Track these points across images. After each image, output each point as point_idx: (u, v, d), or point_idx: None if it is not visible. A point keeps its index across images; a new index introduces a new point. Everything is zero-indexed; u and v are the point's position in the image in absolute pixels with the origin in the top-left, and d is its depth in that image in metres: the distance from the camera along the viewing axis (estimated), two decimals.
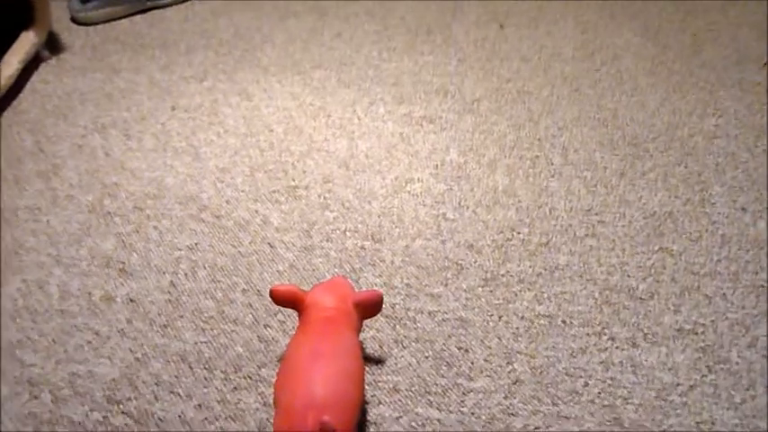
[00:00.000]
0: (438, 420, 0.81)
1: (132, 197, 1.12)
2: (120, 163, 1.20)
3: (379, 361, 0.87)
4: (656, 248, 1.05)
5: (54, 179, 1.16)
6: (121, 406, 0.81)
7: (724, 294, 0.98)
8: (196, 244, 1.04)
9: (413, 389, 0.84)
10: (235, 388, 0.83)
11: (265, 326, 0.91)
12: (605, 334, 0.92)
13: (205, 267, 1.00)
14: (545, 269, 1.01)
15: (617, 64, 1.47)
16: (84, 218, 1.08)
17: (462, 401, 0.83)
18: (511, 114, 1.33)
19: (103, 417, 0.79)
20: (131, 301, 0.94)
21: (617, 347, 0.90)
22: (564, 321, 0.94)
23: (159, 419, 0.79)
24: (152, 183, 1.15)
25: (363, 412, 0.80)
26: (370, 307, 0.81)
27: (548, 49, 1.53)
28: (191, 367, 0.85)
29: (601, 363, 0.89)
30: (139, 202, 1.11)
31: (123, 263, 1.00)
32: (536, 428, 0.81)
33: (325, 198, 1.13)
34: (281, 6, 1.71)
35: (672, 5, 1.69)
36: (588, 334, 0.92)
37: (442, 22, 1.63)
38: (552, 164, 1.21)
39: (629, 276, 1.00)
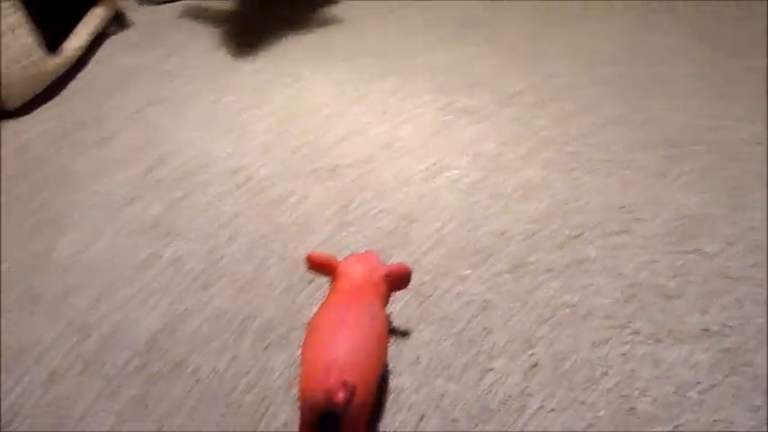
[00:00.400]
0: (455, 394, 0.84)
1: (181, 168, 1.18)
2: (172, 135, 1.26)
3: (403, 334, 0.90)
4: (689, 249, 1.05)
5: (109, 146, 1.23)
6: (160, 355, 0.86)
7: (754, 300, 0.98)
8: (238, 214, 1.09)
9: (434, 363, 0.87)
10: (266, 347, 0.88)
11: (298, 293, 0.95)
12: (628, 328, 0.93)
13: (245, 236, 1.05)
14: (573, 261, 1.02)
15: (661, 66, 1.46)
16: (135, 184, 1.15)
17: (480, 379, 0.86)
18: (552, 110, 1.35)
19: (143, 363, 0.85)
20: (175, 261, 1.00)
21: (639, 342, 0.91)
22: (588, 313, 0.95)
23: (194, 370, 0.85)
24: (200, 156, 1.21)
25: (384, 380, 0.84)
26: (398, 280, 0.85)
27: (592, 47, 1.53)
28: (226, 326, 0.90)
29: (621, 355, 0.90)
30: (187, 173, 1.17)
31: (169, 227, 1.06)
32: (551, 411, 0.83)
33: (362, 179, 1.17)
34: None
35: (719, 9, 1.67)
36: (611, 327, 0.93)
37: (489, 16, 1.65)
38: (590, 160, 1.22)
39: (658, 274, 1.01)
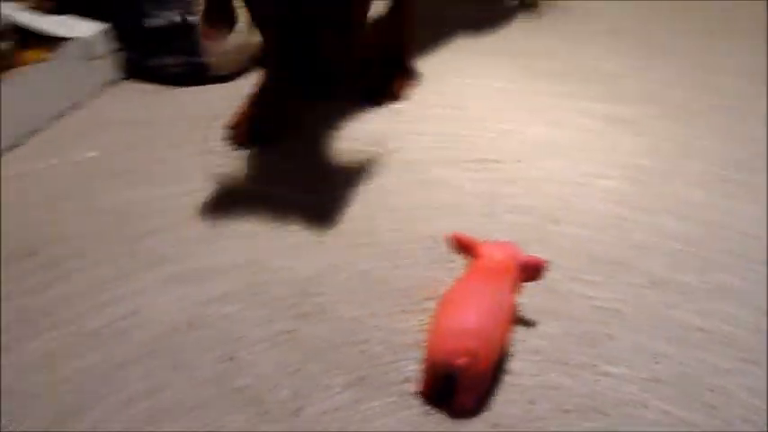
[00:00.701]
0: (569, 389, 0.88)
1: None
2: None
3: (528, 324, 0.96)
4: None
5: None
6: (310, 298, 0.99)
7: None
8: (393, 189, 1.20)
9: (552, 356, 0.92)
10: (402, 311, 0.97)
11: (437, 267, 1.03)
12: (761, 363, 0.91)
13: (398, 210, 1.15)
14: (714, 286, 1.01)
15: None
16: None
17: (596, 381, 0.89)
18: (717, 130, 1.31)
19: (296, 302, 0.98)
20: (340, 221, 1.13)
21: None
22: (720, 340, 0.94)
23: (334, 317, 0.97)
24: (373, 135, 1.33)
25: (503, 361, 0.90)
26: (532, 271, 0.91)
27: None
28: (370, 284, 1.01)
29: (749, 388, 0.88)
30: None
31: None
32: (664, 426, 0.84)
33: (512, 175, 1.23)
34: None
35: None
36: (743, 359, 0.92)
37: (665, 30, 1.61)
38: (752, 188, 1.18)
39: None
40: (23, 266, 1.04)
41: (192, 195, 1.19)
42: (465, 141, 1.31)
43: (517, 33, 1.66)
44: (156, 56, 1.50)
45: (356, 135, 1.33)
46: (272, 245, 1.09)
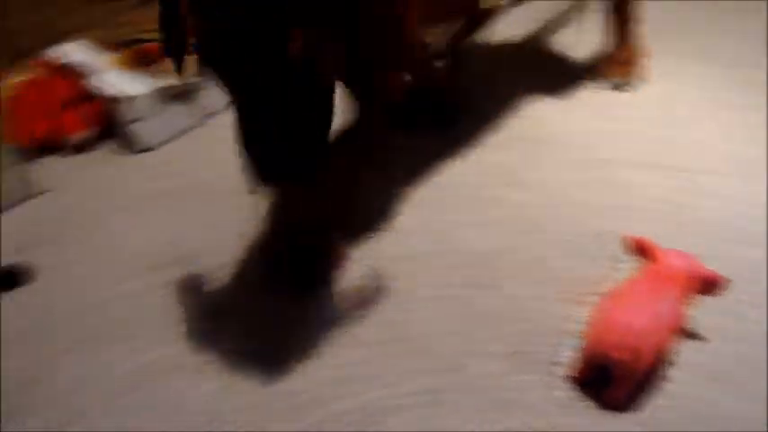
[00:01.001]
0: (726, 408, 0.87)
1: (530, 131, 1.35)
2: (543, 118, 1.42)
3: (698, 338, 0.95)
4: None
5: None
6: (482, 270, 1.07)
7: None
8: (578, 185, 1.22)
9: (716, 374, 0.91)
10: (566, 299, 1.01)
11: (606, 265, 1.05)
12: None
13: (579, 204, 1.18)
14: None
15: None
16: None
17: (758, 408, 0.87)
18: None
19: (468, 271, 1.07)
20: (515, 206, 1.19)
21: None
22: None
23: (503, 293, 1.04)
24: (567, 131, 1.36)
25: (660, 366, 0.91)
26: (708, 286, 0.91)
27: None
28: (540, 271, 1.07)
29: None
30: (537, 141, 1.34)
31: (517, 178, 1.24)
32: None
33: (704, 187, 1.20)
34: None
35: None
36: None
37: None
38: None
39: None
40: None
41: None
42: (659, 146, 1.29)
43: (732, 41, 1.57)
44: None
45: (549, 128, 1.35)
46: (455, 218, 1.17)
